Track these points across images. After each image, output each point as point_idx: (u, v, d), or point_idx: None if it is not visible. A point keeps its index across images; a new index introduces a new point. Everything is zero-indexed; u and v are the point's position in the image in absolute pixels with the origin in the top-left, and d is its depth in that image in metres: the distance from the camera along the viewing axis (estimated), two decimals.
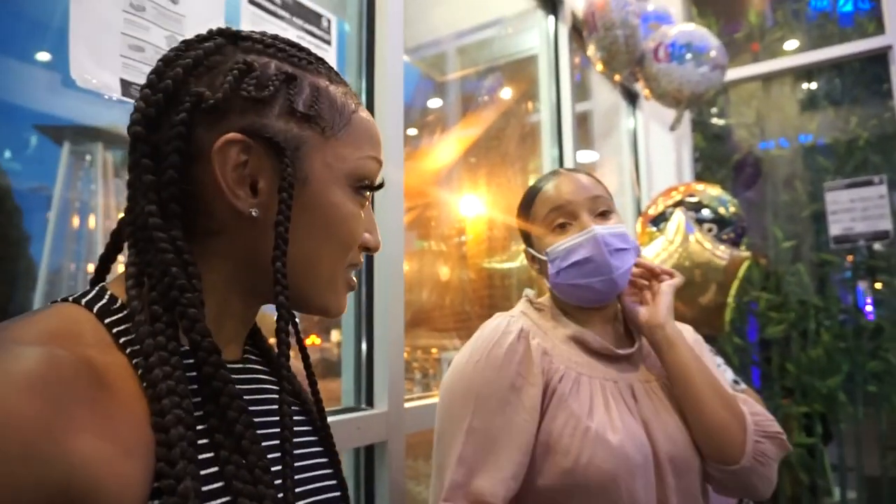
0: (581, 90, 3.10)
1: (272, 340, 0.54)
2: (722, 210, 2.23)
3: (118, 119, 0.88)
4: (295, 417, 0.57)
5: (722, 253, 2.07)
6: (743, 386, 1.64)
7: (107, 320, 0.44)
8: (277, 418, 0.49)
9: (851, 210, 2.75)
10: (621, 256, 0.93)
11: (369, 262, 1.32)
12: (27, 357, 0.37)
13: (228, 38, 0.51)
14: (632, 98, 3.13)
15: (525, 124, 2.75)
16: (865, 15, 2.88)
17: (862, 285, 2.80)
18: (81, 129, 0.96)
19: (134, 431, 0.40)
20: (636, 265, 0.98)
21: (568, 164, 2.32)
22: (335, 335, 1.71)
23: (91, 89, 0.80)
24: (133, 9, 0.86)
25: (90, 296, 0.46)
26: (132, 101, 0.54)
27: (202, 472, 0.42)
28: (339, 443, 1.15)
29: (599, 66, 2.51)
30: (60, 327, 0.41)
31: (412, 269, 2.72)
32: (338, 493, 0.56)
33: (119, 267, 0.52)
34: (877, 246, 2.75)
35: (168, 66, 0.48)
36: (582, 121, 3.08)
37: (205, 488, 0.41)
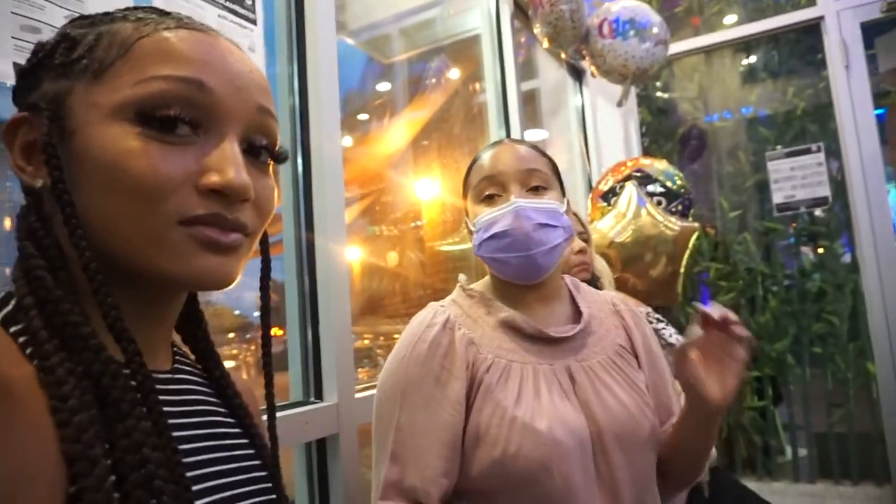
0: (527, 69, 3.08)
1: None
2: (669, 183, 2.25)
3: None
4: (223, 419, 0.52)
5: (673, 224, 2.09)
6: None
7: (12, 329, 0.40)
8: (209, 430, 0.47)
9: (792, 178, 2.83)
10: (545, 232, 0.89)
11: (311, 250, 1.27)
12: None
13: (89, 16, 0.48)
14: (578, 75, 3.13)
15: (472, 105, 2.72)
16: None
17: (805, 250, 2.88)
18: None
19: (42, 455, 0.36)
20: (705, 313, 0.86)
21: None
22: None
23: None
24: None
25: None
26: None
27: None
28: (288, 438, 1.11)
29: (546, 44, 2.49)
30: None
31: (369, 256, 2.68)
32: (273, 497, 0.52)
33: None
34: (817, 212, 2.84)
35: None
36: (529, 99, 3.07)
37: None
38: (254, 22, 1.17)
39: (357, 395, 1.28)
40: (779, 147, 2.91)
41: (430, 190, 2.81)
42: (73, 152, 0.43)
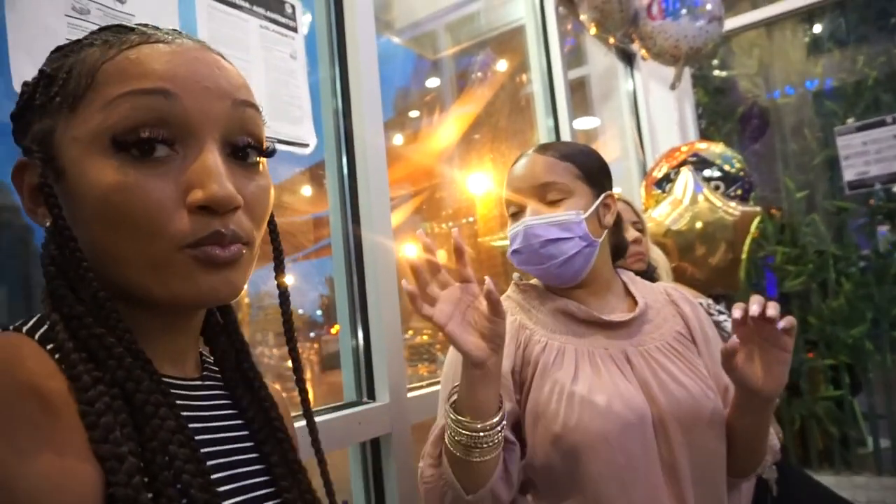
0: (575, 56, 3.02)
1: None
2: (727, 167, 2.16)
3: None
4: (239, 440, 0.51)
5: (732, 209, 2.00)
6: None
7: (48, 346, 0.42)
8: (231, 445, 0.48)
9: (864, 153, 2.66)
10: (555, 246, 0.92)
11: (358, 251, 1.28)
12: None
13: (70, 45, 0.48)
14: (629, 59, 3.04)
15: (520, 96, 2.69)
16: None
17: (882, 229, 2.71)
18: None
19: (80, 458, 0.38)
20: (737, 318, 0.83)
21: (564, 133, 2.26)
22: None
23: None
24: (76, 12, 0.82)
25: (30, 323, 0.44)
26: None
27: None
28: (341, 439, 1.13)
29: (593, 30, 2.43)
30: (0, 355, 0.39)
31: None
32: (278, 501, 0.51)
33: None
34: (894, 188, 2.66)
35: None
36: (579, 87, 3.00)
37: None
38: (294, 30, 1.19)
39: (410, 395, 1.29)
40: (849, 121, 2.74)
41: (481, 184, 2.80)
42: (67, 191, 0.44)
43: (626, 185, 2.80)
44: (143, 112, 0.42)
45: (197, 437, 0.45)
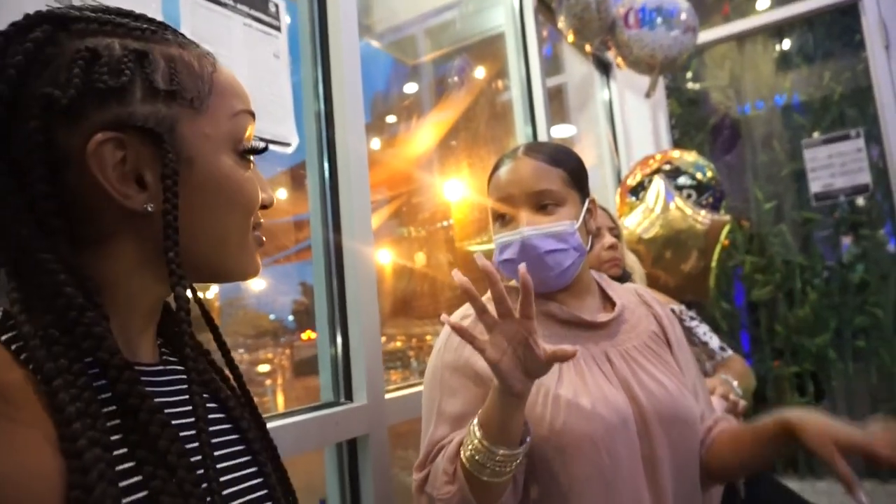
0: (553, 64, 3.06)
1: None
2: (699, 175, 2.21)
3: None
4: (212, 416, 0.53)
5: (703, 218, 2.05)
6: (729, 353, 1.63)
7: (3, 337, 0.41)
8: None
9: (830, 166, 2.74)
10: (553, 258, 0.91)
11: (339, 253, 1.28)
12: None
13: (56, 23, 0.45)
14: (605, 68, 3.09)
15: (498, 103, 2.71)
16: None
17: (846, 241, 2.79)
18: None
19: (40, 455, 0.37)
20: None
21: (542, 140, 2.28)
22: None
23: None
24: (57, 3, 0.81)
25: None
26: None
27: (132, 498, 0.40)
28: (319, 439, 1.13)
29: (571, 37, 2.46)
30: None
31: (399, 257, 2.69)
32: (265, 492, 0.53)
33: None
34: (858, 200, 2.75)
35: None
36: (556, 95, 3.04)
37: None
38: (278, 29, 1.19)
39: (388, 396, 1.29)
40: (815, 134, 2.83)
41: (458, 190, 2.81)
42: (193, 179, 0.47)
43: (602, 192, 2.84)
44: (249, 126, 0.53)
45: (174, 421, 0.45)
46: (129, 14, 0.49)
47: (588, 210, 0.97)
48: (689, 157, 2.27)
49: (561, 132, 2.99)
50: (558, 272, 0.92)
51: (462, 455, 0.79)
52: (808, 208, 2.82)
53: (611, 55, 2.74)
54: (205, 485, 0.43)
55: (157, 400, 0.44)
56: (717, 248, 1.98)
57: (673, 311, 1.63)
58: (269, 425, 0.61)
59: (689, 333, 1.62)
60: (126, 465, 0.41)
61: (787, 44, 3.02)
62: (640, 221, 2.10)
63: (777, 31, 3.00)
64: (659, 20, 2.40)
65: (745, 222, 2.93)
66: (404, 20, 2.81)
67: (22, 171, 0.43)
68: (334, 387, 1.25)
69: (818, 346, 2.69)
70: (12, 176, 0.43)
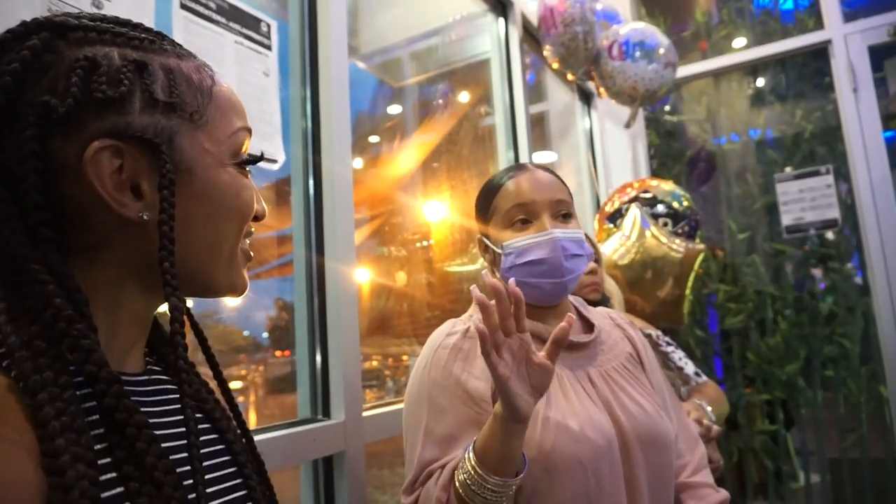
0: (536, 92, 3.12)
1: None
2: (676, 204, 2.26)
3: None
4: (201, 426, 0.53)
5: (678, 246, 2.09)
6: (703, 378, 1.66)
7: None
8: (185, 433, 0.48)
9: (801, 200, 2.83)
10: (575, 262, 0.95)
11: (321, 271, 1.29)
12: None
13: (54, 31, 0.45)
14: (586, 97, 3.16)
15: (481, 128, 2.76)
16: (805, 11, 2.97)
17: (815, 273, 2.87)
18: None
19: (21, 471, 0.36)
20: None
21: None
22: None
23: None
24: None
25: None
26: None
27: None
28: (296, 455, 1.12)
29: (555, 65, 2.52)
30: None
31: (378, 276, 2.70)
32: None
33: None
34: (827, 234, 2.83)
35: None
36: (538, 122, 3.10)
37: None
38: (269, 48, 1.21)
39: (365, 414, 1.29)
40: (787, 169, 2.92)
41: (438, 211, 2.84)
42: (191, 189, 0.48)
43: (581, 218, 2.86)
44: (246, 141, 0.54)
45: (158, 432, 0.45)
46: (128, 23, 0.49)
47: None
48: (667, 185, 2.33)
49: (542, 158, 3.04)
50: (571, 279, 0.94)
51: (455, 482, 0.78)
52: (779, 240, 2.90)
53: (592, 85, 2.81)
54: (192, 497, 0.42)
55: (143, 410, 0.43)
56: (692, 276, 2.02)
57: (650, 335, 1.67)
58: None
59: (664, 358, 1.65)
60: (111, 479, 0.40)
61: (760, 82, 3.13)
62: (616, 248, 2.14)
63: (752, 69, 3.11)
64: (642, 54, 2.48)
65: (719, 251, 3.00)
66: (391, 43, 2.86)
67: (15, 180, 0.42)
68: (312, 403, 1.25)
69: (788, 374, 2.75)
70: (4, 184, 0.43)
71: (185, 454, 0.44)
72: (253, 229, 0.55)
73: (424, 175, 2.91)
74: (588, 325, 1.03)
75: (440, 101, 2.98)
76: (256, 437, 0.58)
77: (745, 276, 2.94)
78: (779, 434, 2.77)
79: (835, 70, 2.77)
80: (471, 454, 0.77)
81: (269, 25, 1.21)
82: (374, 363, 2.61)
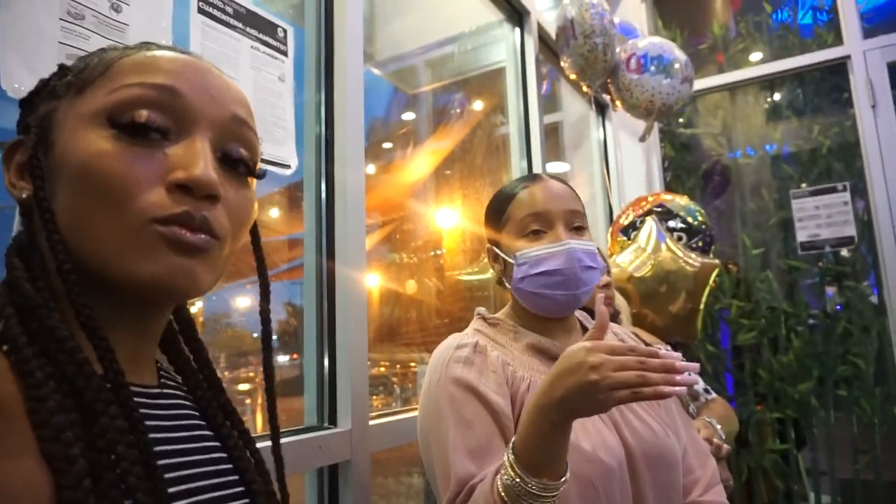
0: (550, 101, 3.12)
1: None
2: (690, 219, 2.24)
3: None
4: (208, 444, 0.51)
5: (693, 260, 2.07)
6: (713, 395, 1.64)
7: (4, 347, 0.40)
8: (197, 444, 0.47)
9: (817, 217, 2.80)
10: (589, 274, 0.94)
11: (331, 276, 1.28)
12: None
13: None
14: (601, 109, 3.15)
15: (495, 137, 2.76)
16: (824, 26, 2.95)
17: (830, 290, 2.83)
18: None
19: (34, 462, 0.36)
20: None
21: None
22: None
23: None
24: (71, 17, 0.82)
25: None
26: None
27: None
28: (301, 463, 1.11)
29: (573, 76, 2.52)
30: None
31: (388, 282, 2.69)
32: None
33: None
34: (843, 252, 2.79)
35: None
36: (552, 132, 3.10)
37: None
38: (285, 53, 1.21)
39: (372, 423, 1.27)
40: (803, 185, 2.89)
41: (450, 219, 2.83)
42: (53, 162, 0.44)
43: (594, 230, 2.85)
44: (147, 99, 0.44)
45: (163, 447, 0.44)
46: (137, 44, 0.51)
47: None
48: (682, 200, 2.31)
49: (555, 168, 3.03)
50: (584, 291, 0.93)
51: (499, 488, 0.75)
52: (794, 256, 2.87)
53: (607, 97, 2.80)
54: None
55: (151, 424, 0.43)
56: (706, 291, 2.00)
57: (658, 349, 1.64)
58: None
59: None
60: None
61: (777, 96, 3.10)
62: (631, 260, 2.12)
63: (769, 83, 3.09)
64: (659, 67, 2.47)
65: (732, 266, 2.97)
66: (407, 50, 2.87)
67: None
68: (318, 411, 1.24)
69: (801, 392, 2.71)
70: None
71: (191, 470, 0.43)
72: (185, 206, 0.43)
73: (437, 182, 2.90)
74: None
75: (455, 110, 2.98)
76: (260, 445, 0.56)
77: (758, 292, 2.91)
78: (790, 453, 2.72)
79: (853, 86, 2.74)
80: (513, 461, 0.74)
81: (285, 31, 1.21)
82: (382, 369, 2.60)
